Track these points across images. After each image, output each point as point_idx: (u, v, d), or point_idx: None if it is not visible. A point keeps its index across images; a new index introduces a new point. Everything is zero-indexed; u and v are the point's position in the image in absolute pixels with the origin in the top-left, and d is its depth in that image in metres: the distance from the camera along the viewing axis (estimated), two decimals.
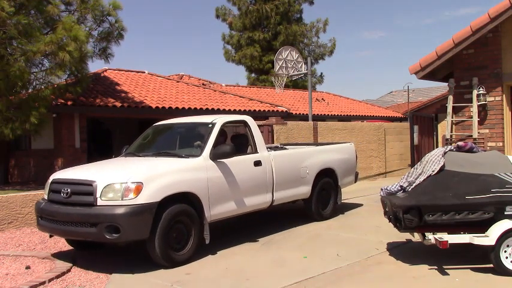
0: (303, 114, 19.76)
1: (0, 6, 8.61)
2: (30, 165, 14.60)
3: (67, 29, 9.60)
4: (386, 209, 5.77)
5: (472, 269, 5.33)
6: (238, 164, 6.67)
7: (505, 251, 5.08)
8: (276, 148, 8.66)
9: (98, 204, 5.46)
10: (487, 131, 9.38)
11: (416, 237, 6.26)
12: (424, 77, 9.94)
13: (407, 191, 5.63)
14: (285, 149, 8.65)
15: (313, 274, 5.34)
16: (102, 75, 15.73)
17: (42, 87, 10.38)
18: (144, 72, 17.94)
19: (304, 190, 7.90)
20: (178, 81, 18.19)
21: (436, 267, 5.42)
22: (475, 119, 9.34)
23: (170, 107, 14.15)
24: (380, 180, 15.08)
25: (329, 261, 5.84)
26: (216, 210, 6.27)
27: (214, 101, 16.30)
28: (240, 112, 15.79)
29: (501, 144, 9.19)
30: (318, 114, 20.43)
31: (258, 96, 20.86)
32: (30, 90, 10.53)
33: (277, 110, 16.95)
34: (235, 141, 7.37)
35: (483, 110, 9.37)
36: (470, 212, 5.20)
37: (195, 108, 14.75)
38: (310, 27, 31.51)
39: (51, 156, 13.36)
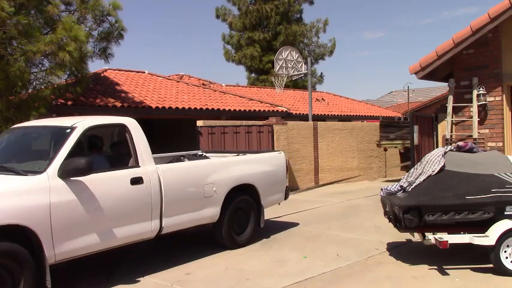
0: (303, 114, 19.75)
1: (0, 6, 8.59)
2: None
3: (67, 29, 9.59)
4: (387, 209, 5.78)
5: (472, 269, 5.33)
6: (105, 182, 5.11)
7: (505, 251, 5.09)
8: (194, 157, 7.52)
9: None
10: (487, 131, 9.38)
11: (416, 237, 6.27)
12: (424, 77, 9.95)
13: (407, 191, 5.63)
14: (207, 157, 7.47)
15: (313, 274, 5.34)
16: (102, 75, 15.72)
17: (42, 87, 10.37)
18: (144, 72, 17.93)
19: (209, 212, 6.29)
20: (178, 81, 18.19)
21: (436, 267, 5.43)
22: (475, 119, 9.34)
23: (170, 107, 14.15)
24: (380, 180, 15.09)
25: (329, 261, 5.85)
26: (65, 247, 4.68)
27: (214, 101, 16.30)
28: (240, 112, 15.79)
29: (501, 144, 9.19)
30: (318, 114, 20.41)
31: (258, 96, 20.85)
32: (30, 90, 10.52)
33: (277, 110, 16.95)
34: (115, 151, 6.01)
35: (483, 110, 9.37)
36: (470, 212, 5.21)
37: (195, 108, 14.75)
38: (310, 27, 31.50)
39: None
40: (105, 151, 5.96)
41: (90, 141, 5.63)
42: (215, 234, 6.62)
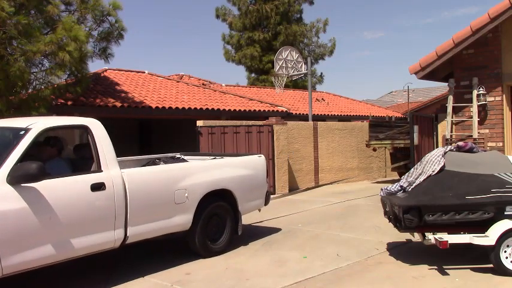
0: (303, 114, 19.76)
1: (0, 6, 8.59)
2: None
3: (67, 29, 9.59)
4: (387, 209, 5.78)
5: (472, 269, 5.33)
6: (61, 188, 4.73)
7: (505, 251, 5.08)
8: (171, 160, 7.28)
9: None
10: (487, 131, 9.38)
11: (416, 237, 6.27)
12: (424, 77, 9.96)
13: (408, 191, 5.64)
14: (184, 160, 7.21)
15: (313, 274, 5.34)
16: (102, 75, 15.73)
17: (42, 87, 10.37)
18: (144, 72, 17.93)
19: (181, 220, 5.87)
20: (178, 81, 18.19)
21: (436, 267, 5.43)
22: (475, 119, 9.35)
23: (170, 107, 14.15)
24: (380, 180, 15.09)
25: (329, 261, 5.85)
26: (14, 260, 4.33)
27: (214, 101, 16.30)
28: (240, 112, 15.80)
29: (501, 144, 9.20)
30: (318, 114, 20.42)
31: (258, 96, 20.85)
32: (30, 90, 10.52)
33: (277, 110, 16.95)
34: (78, 155, 5.64)
35: (483, 110, 9.38)
36: (470, 212, 5.21)
37: (195, 108, 14.75)
38: (310, 27, 31.52)
39: None
40: (67, 154, 5.59)
41: (49, 143, 5.30)
42: (188, 242, 6.21)
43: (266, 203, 7.44)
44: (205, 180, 6.23)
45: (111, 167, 5.22)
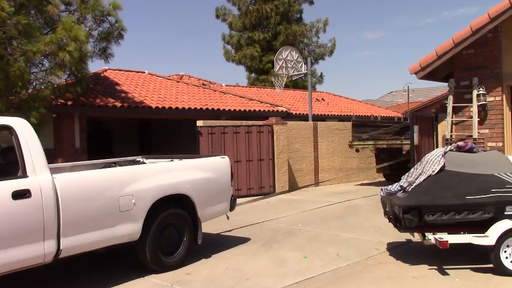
0: (303, 114, 19.75)
1: (0, 6, 8.60)
2: None
3: (67, 29, 9.60)
4: (387, 209, 5.79)
5: (472, 269, 5.34)
6: None
7: (505, 251, 5.09)
8: (130, 163, 6.84)
9: None
10: (487, 131, 9.38)
11: (416, 237, 6.27)
12: (424, 77, 9.96)
13: (408, 191, 5.64)
14: (144, 163, 6.75)
15: (313, 274, 5.35)
16: (102, 75, 15.72)
17: (42, 87, 10.39)
18: (144, 72, 17.93)
19: (127, 230, 5.25)
20: (178, 81, 18.19)
21: (436, 267, 5.43)
22: (475, 119, 9.35)
23: (170, 107, 14.15)
24: (380, 180, 15.09)
25: (329, 261, 5.85)
26: None
27: (214, 101, 16.30)
28: (239, 112, 15.80)
29: (501, 144, 9.20)
30: (318, 114, 20.41)
31: (258, 96, 20.84)
32: (30, 90, 10.54)
33: (277, 110, 16.95)
34: (6, 159, 5.04)
35: (483, 110, 9.38)
36: (470, 212, 5.21)
37: (195, 108, 14.75)
38: (310, 27, 31.51)
39: (51, 156, 13.33)
40: None
41: None
42: (139, 255, 5.59)
43: (232, 208, 6.84)
44: (157, 185, 5.60)
45: (39, 172, 4.63)
